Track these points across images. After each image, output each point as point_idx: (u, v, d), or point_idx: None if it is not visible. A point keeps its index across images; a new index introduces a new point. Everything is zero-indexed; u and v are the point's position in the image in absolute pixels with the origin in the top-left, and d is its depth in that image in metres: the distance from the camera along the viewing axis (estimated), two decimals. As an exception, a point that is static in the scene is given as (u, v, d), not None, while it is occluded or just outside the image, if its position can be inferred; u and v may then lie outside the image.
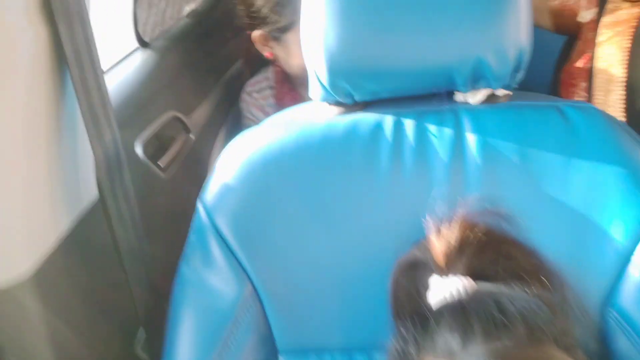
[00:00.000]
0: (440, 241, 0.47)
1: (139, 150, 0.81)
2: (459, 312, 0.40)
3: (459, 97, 0.61)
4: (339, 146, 0.59)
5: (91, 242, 0.66)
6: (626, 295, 0.52)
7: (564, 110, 0.58)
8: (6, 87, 0.52)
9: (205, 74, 1.13)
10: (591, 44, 1.03)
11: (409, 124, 0.60)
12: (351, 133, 0.60)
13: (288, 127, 0.62)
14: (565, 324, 0.42)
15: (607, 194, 0.54)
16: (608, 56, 1.01)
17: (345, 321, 0.59)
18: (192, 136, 0.94)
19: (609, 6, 1.05)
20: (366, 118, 0.61)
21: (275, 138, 0.61)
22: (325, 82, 0.59)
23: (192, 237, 0.61)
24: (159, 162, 0.85)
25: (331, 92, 0.60)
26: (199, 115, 1.04)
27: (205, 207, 0.61)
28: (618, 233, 0.53)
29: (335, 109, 0.63)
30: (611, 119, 0.58)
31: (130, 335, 0.71)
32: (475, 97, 0.60)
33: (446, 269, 0.45)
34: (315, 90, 0.62)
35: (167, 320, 0.59)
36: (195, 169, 0.99)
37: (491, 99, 0.61)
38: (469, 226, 0.47)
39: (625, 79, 0.96)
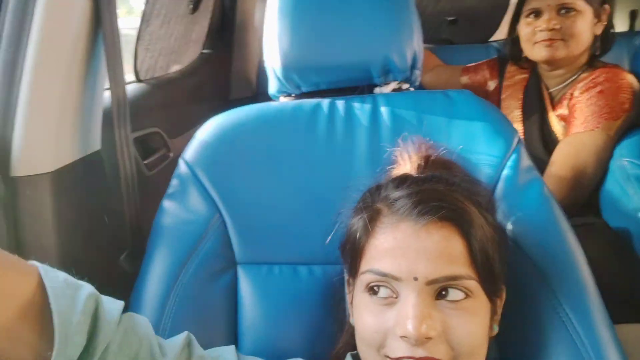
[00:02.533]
0: (407, 162, 0.65)
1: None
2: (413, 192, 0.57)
3: (376, 90, 0.86)
4: (289, 117, 0.81)
5: (100, 171, 0.83)
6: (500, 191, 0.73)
7: (448, 94, 0.82)
8: (58, 44, 0.72)
9: (188, 114, 1.36)
10: (497, 103, 1.35)
11: (340, 103, 0.83)
12: (298, 109, 0.82)
13: (251, 107, 0.84)
14: (480, 198, 0.60)
15: (476, 140, 0.76)
16: (508, 106, 1.31)
17: (290, 242, 0.75)
18: (171, 154, 1.15)
19: (506, 75, 1.38)
20: (309, 100, 0.84)
21: (242, 111, 0.83)
22: (280, 75, 0.83)
23: (173, 182, 0.79)
24: (145, 162, 1.05)
25: (284, 83, 0.83)
26: (180, 142, 1.26)
27: (186, 162, 0.80)
28: (487, 166, 0.74)
29: (286, 100, 0.86)
30: (482, 101, 0.82)
31: (120, 250, 0.84)
32: (388, 88, 0.85)
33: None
34: (272, 84, 0.85)
35: (149, 240, 0.74)
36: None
37: (399, 90, 0.85)
38: (424, 152, 0.66)
39: (521, 118, 1.26)
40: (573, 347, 0.62)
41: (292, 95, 0.87)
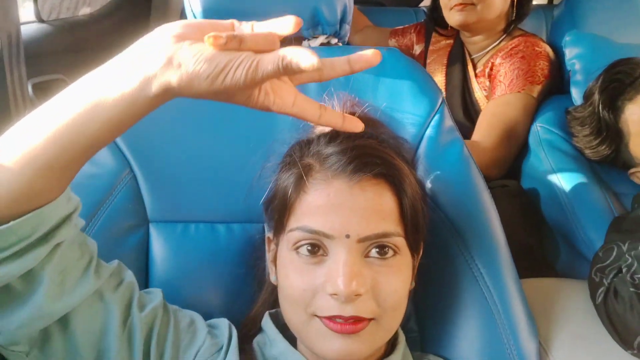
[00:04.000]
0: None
1: (29, 88, 0.90)
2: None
3: (304, 44, 0.82)
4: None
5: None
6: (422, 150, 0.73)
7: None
8: None
9: (101, 62, 1.25)
10: (423, 65, 1.36)
11: (265, 55, 0.78)
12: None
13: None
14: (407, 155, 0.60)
15: (402, 98, 0.75)
16: (433, 71, 1.32)
17: (208, 199, 0.72)
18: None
19: (432, 40, 1.39)
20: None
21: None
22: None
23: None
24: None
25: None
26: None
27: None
28: (412, 125, 0.74)
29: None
30: (410, 60, 0.81)
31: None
32: (316, 42, 0.81)
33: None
34: None
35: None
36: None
37: (327, 45, 0.82)
38: (349, 108, 0.63)
39: (444, 83, 1.28)
40: (483, 300, 0.65)
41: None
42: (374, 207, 0.53)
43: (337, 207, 0.52)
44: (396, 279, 0.53)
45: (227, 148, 0.73)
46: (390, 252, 0.53)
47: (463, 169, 0.72)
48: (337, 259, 0.51)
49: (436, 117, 0.75)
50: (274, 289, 0.67)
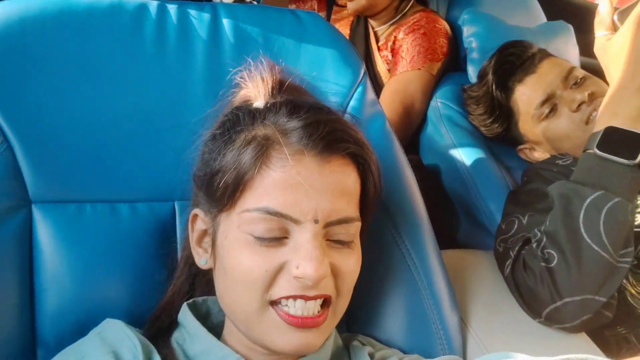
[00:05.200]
0: (258, 86, 0.55)
1: None
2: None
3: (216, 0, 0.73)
4: (104, 17, 0.64)
5: None
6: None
7: (297, 14, 0.74)
8: None
9: None
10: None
11: (172, 8, 0.68)
12: (117, 7, 0.65)
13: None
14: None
15: (325, 67, 0.70)
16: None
17: (107, 176, 0.61)
18: None
19: (335, 9, 1.35)
20: (131, 0, 0.67)
21: (35, 2, 0.61)
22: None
23: None
24: None
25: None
26: None
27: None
28: (335, 96, 0.69)
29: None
30: (331, 26, 0.77)
31: None
32: (229, -2, 0.73)
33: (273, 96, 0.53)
34: None
35: None
36: None
37: (241, 2, 0.74)
38: (277, 76, 0.56)
39: None
40: (410, 276, 0.65)
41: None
42: (341, 189, 0.49)
43: (306, 189, 0.47)
44: (354, 261, 0.51)
45: (129, 113, 0.62)
46: (350, 237, 0.50)
47: (387, 144, 0.70)
48: (303, 242, 0.47)
49: (359, 88, 0.72)
50: (189, 276, 0.60)
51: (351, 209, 0.50)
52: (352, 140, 0.50)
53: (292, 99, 0.52)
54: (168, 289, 0.60)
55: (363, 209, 0.53)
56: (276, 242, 0.48)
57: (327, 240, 0.49)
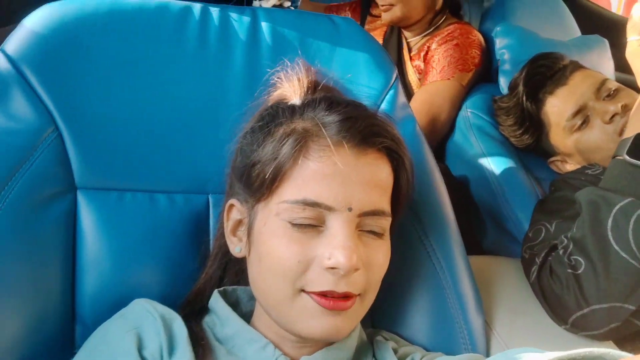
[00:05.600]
0: (294, 85, 0.57)
1: None
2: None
3: (255, 3, 0.76)
4: (151, 17, 0.68)
5: None
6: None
7: (333, 19, 0.77)
8: None
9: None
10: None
11: (214, 11, 0.71)
12: (163, 8, 0.69)
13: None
14: None
15: (358, 70, 0.73)
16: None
17: (148, 166, 0.64)
18: None
19: (368, 19, 1.38)
20: (176, 2, 0.70)
21: (89, 2, 0.66)
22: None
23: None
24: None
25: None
26: None
27: (7, 56, 0.61)
28: (367, 99, 0.71)
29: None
30: (365, 32, 0.79)
31: None
32: (268, 3, 0.76)
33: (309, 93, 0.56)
34: None
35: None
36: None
37: (280, 7, 0.77)
38: (312, 77, 0.58)
39: None
40: (435, 276, 0.65)
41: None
42: (376, 181, 0.51)
43: (343, 178, 0.49)
44: (383, 255, 0.52)
45: (171, 109, 0.66)
46: (382, 230, 0.52)
47: (417, 147, 0.72)
48: (336, 231, 0.48)
49: (391, 92, 0.74)
50: (220, 265, 0.62)
51: (384, 202, 0.52)
52: (388, 136, 0.52)
53: (330, 95, 0.55)
54: (200, 276, 0.62)
55: (394, 205, 0.54)
56: (312, 230, 0.49)
57: (359, 230, 0.51)
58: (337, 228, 0.48)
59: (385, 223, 0.52)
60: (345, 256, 0.47)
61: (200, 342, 0.52)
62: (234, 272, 0.62)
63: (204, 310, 0.59)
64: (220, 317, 0.56)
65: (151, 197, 0.64)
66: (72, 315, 0.59)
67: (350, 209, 0.49)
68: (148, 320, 0.52)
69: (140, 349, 0.49)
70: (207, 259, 0.63)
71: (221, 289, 0.60)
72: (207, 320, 0.57)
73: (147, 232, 0.63)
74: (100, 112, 0.63)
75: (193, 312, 0.59)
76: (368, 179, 0.50)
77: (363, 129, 0.50)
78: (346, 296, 0.49)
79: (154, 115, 0.65)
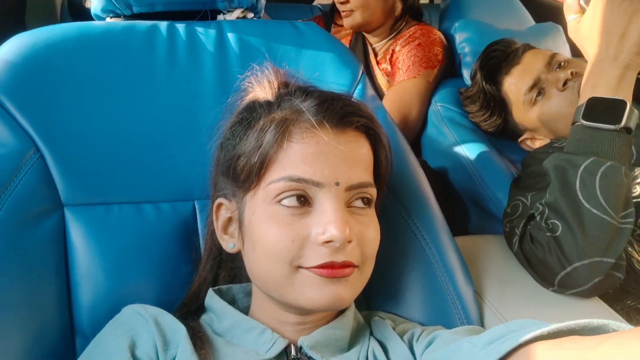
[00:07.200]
0: (265, 88, 0.59)
1: None
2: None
3: (220, 17, 0.79)
4: (119, 39, 0.70)
5: None
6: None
7: (296, 25, 0.80)
8: None
9: None
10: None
11: (181, 27, 0.74)
12: (130, 30, 0.72)
13: (68, 26, 0.70)
14: None
15: (324, 69, 0.76)
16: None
17: (131, 179, 0.66)
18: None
19: (332, 31, 1.43)
20: (142, 22, 0.73)
21: (56, 29, 0.68)
22: (107, -10, 0.71)
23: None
24: None
25: (112, 0, 0.72)
26: None
27: (-17, 86, 0.63)
28: (337, 89, 0.74)
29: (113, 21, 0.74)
30: (328, 33, 0.82)
31: None
32: (232, 15, 0.79)
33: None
34: (96, 1, 0.72)
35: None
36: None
37: (243, 19, 0.80)
38: (282, 78, 0.61)
39: None
40: (422, 253, 0.67)
41: (122, 16, 0.75)
42: (358, 157, 0.53)
43: (326, 155, 0.51)
44: (373, 227, 0.54)
45: (148, 121, 0.68)
46: (367, 203, 0.54)
47: (390, 133, 0.74)
48: (325, 207, 0.50)
49: (359, 86, 0.77)
50: (213, 265, 0.63)
51: (367, 175, 0.54)
52: (364, 114, 0.55)
53: (303, 86, 0.57)
54: (194, 279, 0.63)
55: (376, 180, 0.56)
56: (301, 210, 0.51)
57: (348, 207, 0.53)
58: (327, 204, 0.50)
59: (372, 191, 0.54)
60: (338, 228, 0.49)
61: (197, 335, 0.52)
62: (227, 271, 0.64)
63: (201, 309, 0.60)
64: (217, 313, 0.57)
65: (138, 207, 0.65)
66: (71, 328, 0.59)
67: (337, 184, 0.51)
68: (139, 322, 0.53)
69: (133, 351, 0.50)
70: (199, 262, 0.64)
71: (216, 288, 0.61)
72: (204, 318, 0.58)
73: (137, 242, 0.64)
74: (78, 131, 0.65)
75: (189, 312, 0.60)
76: (351, 155, 0.52)
77: (339, 109, 0.53)
78: (345, 265, 0.50)
79: (132, 129, 0.67)
